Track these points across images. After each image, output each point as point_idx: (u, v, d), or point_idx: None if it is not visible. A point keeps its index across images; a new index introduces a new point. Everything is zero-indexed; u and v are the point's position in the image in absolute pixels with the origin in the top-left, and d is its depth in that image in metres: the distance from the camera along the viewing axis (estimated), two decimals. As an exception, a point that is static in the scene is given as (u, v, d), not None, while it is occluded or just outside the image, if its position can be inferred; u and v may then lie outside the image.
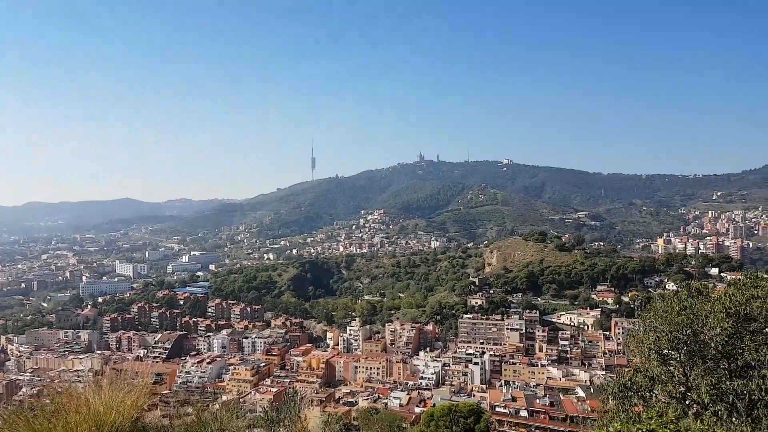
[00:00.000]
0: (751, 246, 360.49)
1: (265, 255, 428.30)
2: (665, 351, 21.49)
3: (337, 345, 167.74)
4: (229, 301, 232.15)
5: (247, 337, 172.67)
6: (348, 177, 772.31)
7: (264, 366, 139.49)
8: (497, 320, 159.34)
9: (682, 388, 20.30)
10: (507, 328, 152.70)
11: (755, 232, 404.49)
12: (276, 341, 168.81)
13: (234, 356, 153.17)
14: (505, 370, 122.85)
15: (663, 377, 20.58)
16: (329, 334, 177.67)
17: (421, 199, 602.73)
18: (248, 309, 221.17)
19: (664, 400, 20.78)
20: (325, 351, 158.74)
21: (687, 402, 20.23)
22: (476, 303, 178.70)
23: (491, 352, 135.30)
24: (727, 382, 19.29)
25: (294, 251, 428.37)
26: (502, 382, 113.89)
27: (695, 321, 20.43)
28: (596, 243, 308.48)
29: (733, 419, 18.64)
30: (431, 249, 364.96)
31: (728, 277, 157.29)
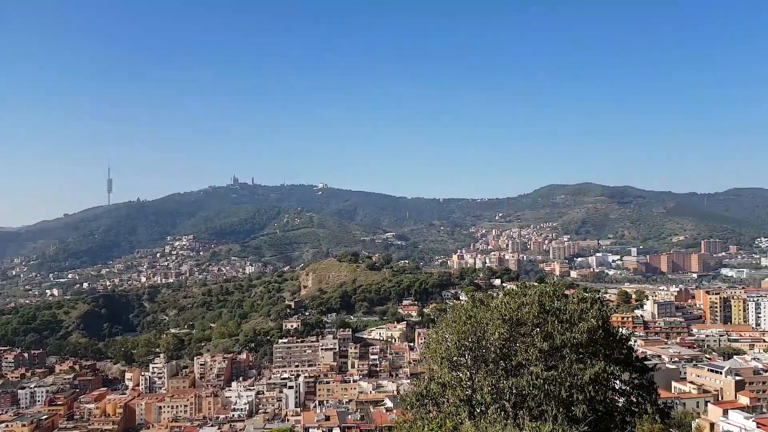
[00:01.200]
0: (525, 259, 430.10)
1: (48, 291, 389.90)
2: (455, 358, 23.63)
3: (138, 386, 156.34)
4: (0, 348, 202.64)
5: (23, 388, 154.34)
6: (152, 201, 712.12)
7: (46, 419, 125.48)
8: (312, 342, 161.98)
9: (468, 391, 22.46)
10: (321, 349, 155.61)
11: (528, 246, 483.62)
12: (62, 388, 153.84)
13: (6, 411, 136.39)
14: (320, 390, 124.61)
15: (453, 383, 22.54)
16: (128, 375, 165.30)
17: (236, 224, 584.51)
18: (26, 355, 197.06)
19: (454, 404, 22.75)
20: (124, 393, 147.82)
21: (473, 403, 22.44)
22: (292, 326, 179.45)
23: (306, 374, 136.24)
24: (504, 381, 21.95)
25: (85, 285, 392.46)
26: (317, 402, 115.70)
27: (478, 328, 22.89)
28: (402, 261, 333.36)
29: (509, 414, 21.24)
30: (246, 275, 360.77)
31: (506, 286, 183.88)
